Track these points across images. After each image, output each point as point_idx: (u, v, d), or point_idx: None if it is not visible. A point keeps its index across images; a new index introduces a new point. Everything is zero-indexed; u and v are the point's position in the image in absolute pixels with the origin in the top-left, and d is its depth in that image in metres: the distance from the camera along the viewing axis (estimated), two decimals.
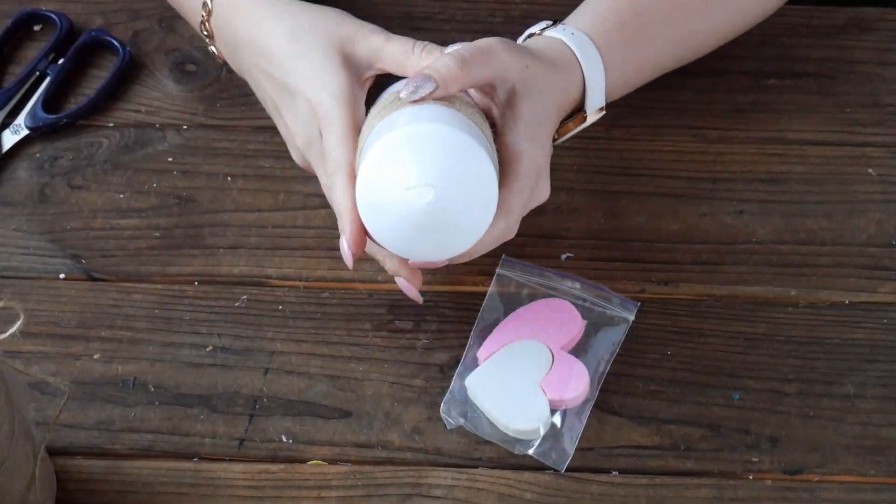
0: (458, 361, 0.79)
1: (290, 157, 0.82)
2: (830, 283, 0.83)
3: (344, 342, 0.81)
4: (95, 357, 0.80)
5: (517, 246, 0.80)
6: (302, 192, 0.86)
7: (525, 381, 0.77)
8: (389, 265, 0.76)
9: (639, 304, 0.81)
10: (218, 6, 0.82)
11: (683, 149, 0.89)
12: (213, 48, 0.85)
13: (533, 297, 0.81)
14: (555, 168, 0.78)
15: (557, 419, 0.76)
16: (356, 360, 0.80)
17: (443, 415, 0.77)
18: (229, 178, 0.88)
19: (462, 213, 0.69)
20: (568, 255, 0.84)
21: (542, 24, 0.82)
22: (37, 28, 0.96)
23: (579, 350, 0.79)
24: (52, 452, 0.76)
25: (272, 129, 0.84)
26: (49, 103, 0.91)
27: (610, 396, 0.78)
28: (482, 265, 0.80)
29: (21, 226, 0.86)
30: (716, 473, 0.76)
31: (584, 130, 0.82)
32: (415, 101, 0.72)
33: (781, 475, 0.76)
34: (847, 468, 0.76)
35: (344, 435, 0.77)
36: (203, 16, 0.83)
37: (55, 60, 0.93)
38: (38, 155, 0.89)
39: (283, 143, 0.83)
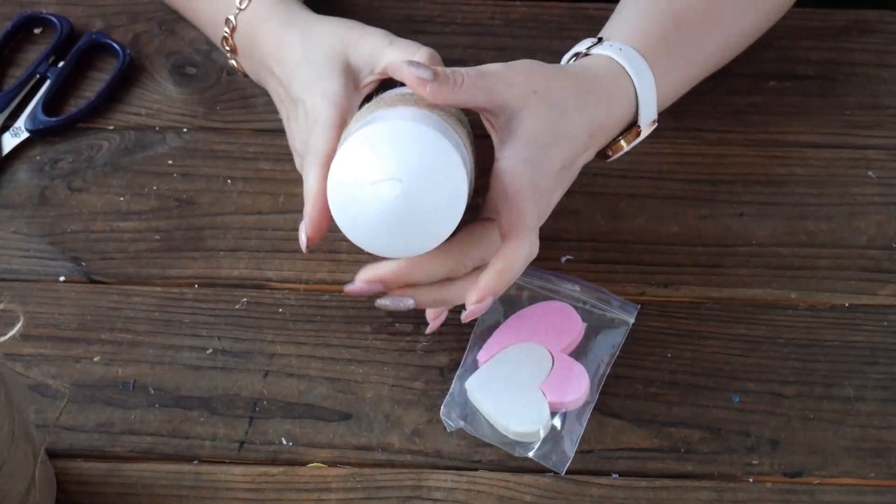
0: (458, 364, 0.79)
1: (290, 160, 0.82)
2: (830, 286, 0.83)
3: (344, 345, 0.81)
4: (95, 359, 0.80)
5: None
6: (302, 195, 0.86)
7: (525, 383, 0.77)
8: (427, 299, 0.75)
9: (639, 306, 0.81)
10: (241, 22, 0.83)
11: (683, 151, 0.89)
12: (233, 62, 0.86)
13: (533, 300, 0.81)
14: None
15: (557, 422, 0.77)
16: (356, 362, 0.80)
17: (443, 417, 0.77)
18: (229, 181, 0.88)
19: (431, 210, 0.69)
20: (568, 257, 0.84)
21: (588, 43, 0.82)
22: (37, 31, 0.96)
23: (579, 352, 0.79)
24: (53, 455, 0.76)
25: (272, 132, 0.85)
26: (49, 106, 0.91)
27: (610, 399, 0.78)
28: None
29: (21, 228, 0.86)
30: (716, 476, 0.76)
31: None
32: (396, 103, 0.72)
33: (781, 478, 0.76)
34: (847, 470, 0.76)
35: (344, 437, 0.77)
36: (226, 32, 0.84)
37: (55, 63, 0.93)
38: (38, 157, 0.89)
39: (283, 146, 0.83)
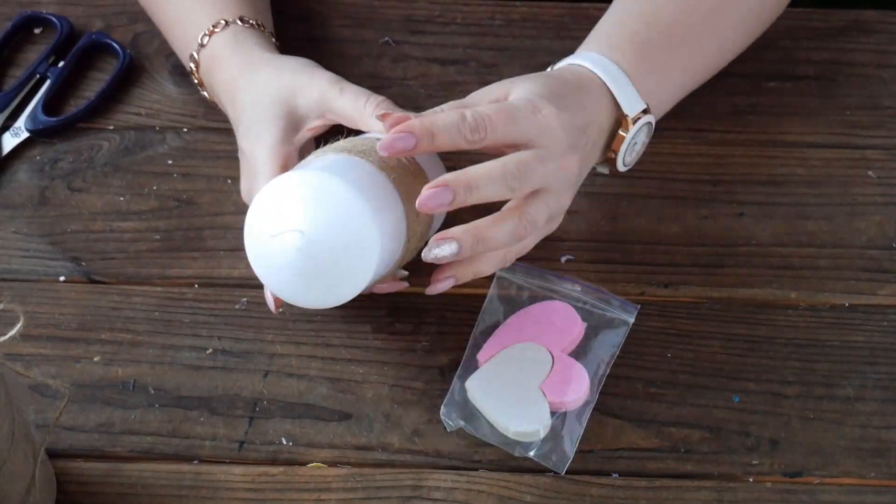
0: (459, 364, 0.79)
1: None
2: (830, 286, 0.83)
3: (344, 344, 0.81)
4: (95, 359, 0.80)
5: None
6: None
7: (525, 383, 0.77)
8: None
9: (639, 306, 0.81)
10: (203, 58, 0.85)
11: (684, 151, 0.89)
12: (205, 93, 0.87)
13: (533, 300, 0.81)
14: None
15: (557, 421, 0.76)
16: (356, 362, 0.80)
17: (443, 417, 0.77)
18: (229, 181, 0.88)
19: (340, 260, 0.70)
20: (568, 257, 0.84)
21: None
22: (37, 31, 0.96)
23: (579, 352, 0.79)
24: (52, 455, 0.76)
25: None
26: (49, 106, 0.91)
27: (610, 399, 0.78)
28: None
29: (21, 228, 0.86)
30: (716, 476, 0.76)
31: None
32: (328, 151, 0.73)
33: (781, 478, 0.76)
34: (847, 470, 0.76)
35: (344, 437, 0.77)
36: (192, 67, 0.86)
37: (55, 63, 0.93)
38: (38, 157, 0.89)
39: None
